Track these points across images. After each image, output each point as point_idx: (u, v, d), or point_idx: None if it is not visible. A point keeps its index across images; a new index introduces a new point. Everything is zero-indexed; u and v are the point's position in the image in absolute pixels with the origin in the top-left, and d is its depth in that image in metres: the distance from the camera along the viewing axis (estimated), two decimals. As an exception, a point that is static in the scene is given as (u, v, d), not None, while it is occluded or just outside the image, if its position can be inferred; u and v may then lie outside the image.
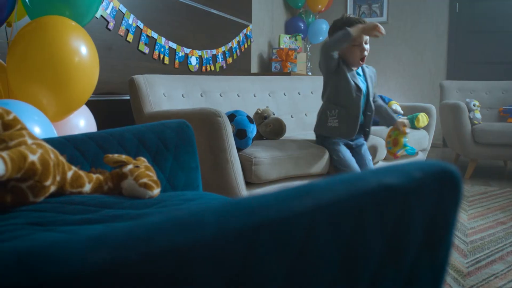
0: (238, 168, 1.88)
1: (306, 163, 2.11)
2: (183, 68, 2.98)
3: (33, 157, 0.86)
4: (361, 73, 2.30)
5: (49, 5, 1.45)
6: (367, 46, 2.20)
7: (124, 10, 2.45)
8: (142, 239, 0.32)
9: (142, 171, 1.03)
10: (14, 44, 1.37)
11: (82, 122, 1.64)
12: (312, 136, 2.45)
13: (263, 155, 1.94)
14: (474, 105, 3.33)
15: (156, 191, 1.00)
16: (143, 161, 1.09)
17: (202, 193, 1.08)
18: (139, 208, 0.91)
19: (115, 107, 2.45)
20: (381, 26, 2.10)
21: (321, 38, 4.75)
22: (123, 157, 1.06)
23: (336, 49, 2.19)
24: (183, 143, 1.22)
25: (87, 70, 1.43)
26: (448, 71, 4.65)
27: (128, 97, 2.55)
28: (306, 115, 3.08)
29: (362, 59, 2.21)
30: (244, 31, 3.70)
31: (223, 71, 3.39)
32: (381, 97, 3.20)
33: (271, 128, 2.33)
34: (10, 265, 0.31)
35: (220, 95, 2.64)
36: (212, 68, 3.27)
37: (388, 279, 0.44)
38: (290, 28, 4.72)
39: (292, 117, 2.98)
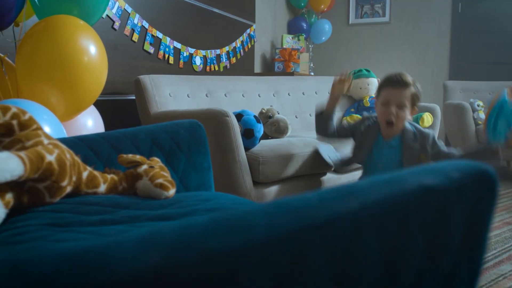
0: (246, 167, 1.88)
1: (314, 161, 2.11)
2: (188, 68, 2.97)
3: (50, 157, 0.86)
4: (395, 144, 1.85)
5: (58, 5, 1.44)
6: (397, 111, 1.78)
7: (129, 9, 2.45)
8: (197, 242, 0.32)
9: (157, 171, 1.02)
10: (23, 43, 1.36)
11: (90, 122, 1.64)
12: (314, 136, 2.44)
13: (270, 154, 1.94)
14: (478, 106, 3.34)
15: (172, 191, 0.99)
16: (157, 161, 1.08)
17: (217, 193, 1.08)
18: (156, 209, 0.91)
19: (120, 107, 2.44)
20: (341, 75, 1.85)
21: (323, 38, 4.75)
22: (137, 157, 1.06)
23: (320, 127, 1.95)
24: (196, 143, 1.22)
25: (96, 70, 1.42)
26: (451, 71, 4.65)
27: (133, 97, 2.54)
28: (310, 115, 3.08)
29: (389, 124, 1.79)
30: (248, 31, 3.70)
31: (227, 71, 3.38)
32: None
33: (276, 127, 2.33)
34: (62, 267, 0.30)
35: (225, 95, 2.63)
36: (216, 68, 3.26)
37: (428, 280, 0.44)
38: (293, 28, 4.71)
39: (296, 117, 2.98)
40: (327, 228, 0.37)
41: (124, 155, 1.06)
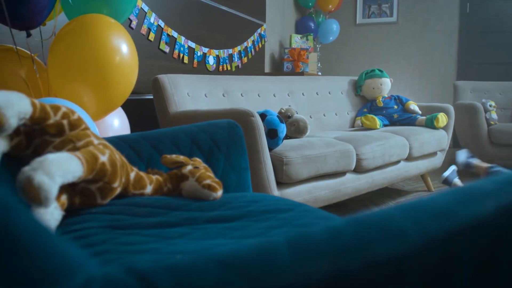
0: (270, 168, 1.86)
1: (334, 161, 2.10)
2: (201, 68, 2.96)
3: (103, 158, 0.84)
4: None
5: (88, 4, 1.42)
6: None
7: (146, 8, 2.43)
8: (358, 248, 0.30)
9: (203, 172, 1.01)
10: (55, 42, 1.34)
11: (116, 121, 1.62)
12: (331, 136, 2.44)
13: (293, 154, 1.92)
14: (490, 106, 3.33)
15: (219, 192, 0.98)
16: (200, 162, 1.07)
17: (262, 194, 1.06)
18: (208, 210, 0.89)
19: (136, 106, 2.42)
20: None
21: (331, 38, 4.74)
22: (181, 157, 1.04)
23: None
24: (234, 143, 1.20)
25: (127, 69, 1.40)
26: (459, 72, 4.65)
27: (149, 97, 2.52)
28: (324, 115, 3.07)
29: None
30: (259, 30, 3.69)
31: (238, 71, 3.37)
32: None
33: (295, 127, 2.32)
34: (226, 276, 0.29)
35: (241, 95, 2.62)
36: (229, 68, 3.24)
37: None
38: (301, 28, 4.70)
39: (311, 117, 2.97)
40: (470, 232, 0.35)
41: (168, 156, 1.04)
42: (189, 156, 1.13)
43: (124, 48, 1.39)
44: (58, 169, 0.69)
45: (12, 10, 1.27)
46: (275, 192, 1.88)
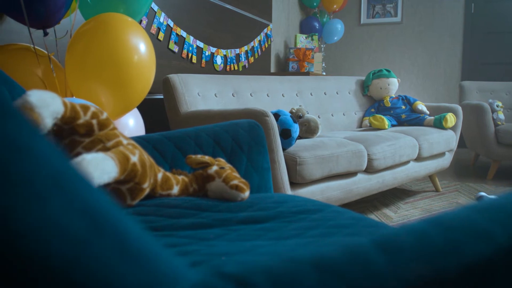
0: (284, 168, 1.85)
1: (346, 161, 2.09)
2: (209, 67, 2.95)
3: (134, 159, 0.83)
4: None
5: (105, 3, 1.42)
6: None
7: (156, 8, 2.42)
8: (453, 252, 0.30)
9: (229, 172, 1.00)
10: (73, 42, 1.34)
11: (132, 121, 1.61)
12: (341, 136, 2.43)
13: (307, 154, 1.92)
14: (497, 106, 3.33)
15: (247, 193, 0.97)
16: (225, 163, 1.06)
17: (288, 195, 1.05)
18: (237, 211, 0.89)
19: (145, 106, 2.41)
20: None
21: (335, 38, 4.74)
22: (206, 158, 1.03)
23: None
24: (256, 143, 1.20)
25: (146, 68, 1.39)
26: (463, 72, 4.65)
27: (158, 96, 2.52)
28: (332, 115, 3.07)
29: None
30: (265, 30, 3.68)
31: (245, 71, 3.36)
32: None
33: (306, 127, 2.31)
34: (312, 276, 0.28)
35: (250, 94, 2.61)
36: (236, 68, 3.24)
37: None
38: (305, 28, 4.70)
39: (319, 117, 2.96)
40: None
41: (193, 156, 1.03)
42: (212, 156, 1.13)
43: (142, 47, 1.38)
44: (95, 170, 0.68)
45: (29, 8, 1.26)
46: (289, 192, 1.88)
